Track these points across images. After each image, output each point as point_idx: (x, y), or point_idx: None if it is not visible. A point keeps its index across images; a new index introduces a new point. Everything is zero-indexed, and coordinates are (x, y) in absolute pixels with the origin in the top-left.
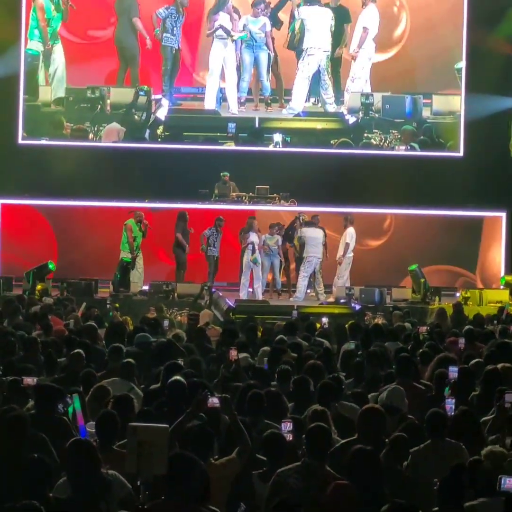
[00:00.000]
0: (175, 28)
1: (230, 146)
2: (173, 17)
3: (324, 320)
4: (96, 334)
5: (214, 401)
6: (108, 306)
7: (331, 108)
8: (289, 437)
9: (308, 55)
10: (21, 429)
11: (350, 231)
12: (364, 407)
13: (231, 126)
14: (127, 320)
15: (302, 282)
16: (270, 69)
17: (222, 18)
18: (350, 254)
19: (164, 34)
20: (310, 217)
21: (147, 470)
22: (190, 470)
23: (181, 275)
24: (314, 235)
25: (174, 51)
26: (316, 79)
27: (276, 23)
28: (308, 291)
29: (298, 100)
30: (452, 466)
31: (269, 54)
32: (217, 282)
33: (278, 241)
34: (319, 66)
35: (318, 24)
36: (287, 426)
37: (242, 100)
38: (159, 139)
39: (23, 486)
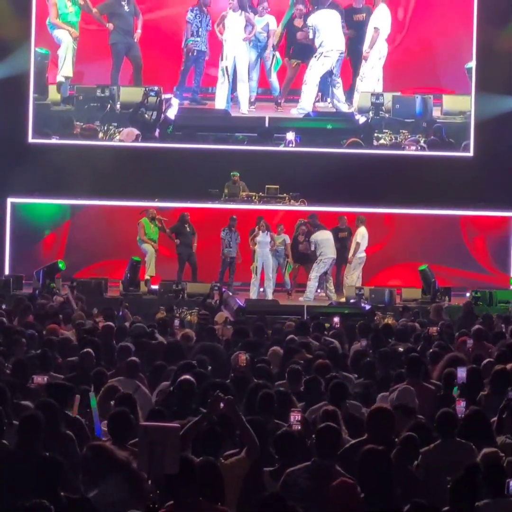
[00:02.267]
0: (200, 29)
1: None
2: (197, 18)
3: (336, 320)
4: (112, 334)
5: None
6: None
7: (344, 107)
8: (298, 427)
9: (325, 56)
10: (36, 429)
11: (361, 231)
12: (373, 407)
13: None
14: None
15: (313, 283)
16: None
17: (232, 17)
18: (361, 254)
19: (191, 38)
20: (306, 217)
21: (159, 470)
22: (203, 470)
23: (191, 275)
24: (325, 236)
25: (196, 53)
26: (323, 78)
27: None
28: (318, 291)
29: (309, 100)
30: (465, 466)
31: (273, 54)
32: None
33: (284, 241)
34: (332, 66)
35: (329, 26)
36: (296, 417)
37: (251, 100)
38: (169, 139)
39: (34, 484)
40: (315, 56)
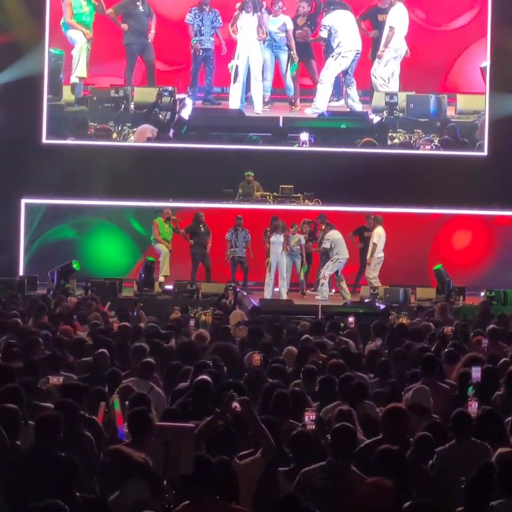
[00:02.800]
0: (202, 28)
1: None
2: (197, 17)
3: (351, 319)
4: (129, 334)
5: (235, 404)
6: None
7: (359, 107)
8: (312, 426)
9: (342, 56)
10: (53, 429)
11: (378, 231)
12: (387, 406)
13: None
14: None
15: (326, 282)
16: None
17: (245, 18)
18: (379, 254)
19: (194, 37)
20: (314, 218)
21: (174, 470)
22: (218, 469)
23: (205, 275)
24: (340, 236)
25: (202, 52)
26: (337, 78)
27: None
28: (332, 291)
29: (324, 100)
30: (480, 466)
31: (289, 54)
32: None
33: (299, 241)
34: (347, 66)
35: (345, 26)
36: (310, 416)
37: (266, 100)
38: (183, 139)
39: (50, 484)
40: (333, 56)
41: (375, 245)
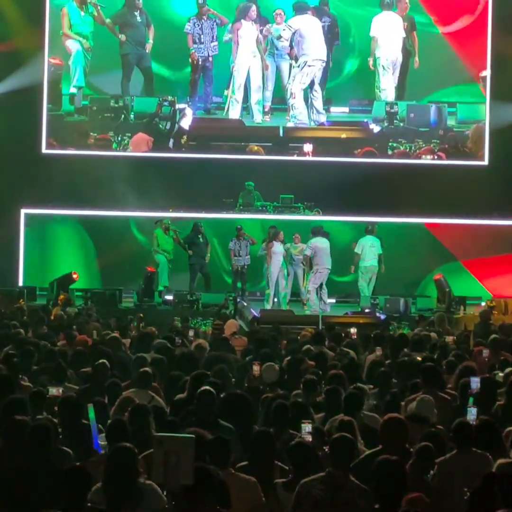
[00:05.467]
0: (201, 36)
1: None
2: (196, 26)
3: (353, 331)
4: (120, 345)
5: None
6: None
7: (323, 118)
8: (309, 438)
9: (308, 66)
10: (46, 439)
11: (360, 241)
12: (385, 417)
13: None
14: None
15: (313, 295)
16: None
17: (245, 27)
18: (365, 264)
19: (194, 45)
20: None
21: (174, 480)
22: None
23: (205, 285)
24: (324, 245)
25: (201, 61)
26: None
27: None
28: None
29: (303, 111)
30: (484, 476)
31: (290, 63)
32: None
33: (302, 250)
34: (314, 76)
35: (312, 34)
36: (307, 428)
37: (266, 109)
38: (183, 149)
39: (62, 494)
40: (301, 68)
41: (357, 255)
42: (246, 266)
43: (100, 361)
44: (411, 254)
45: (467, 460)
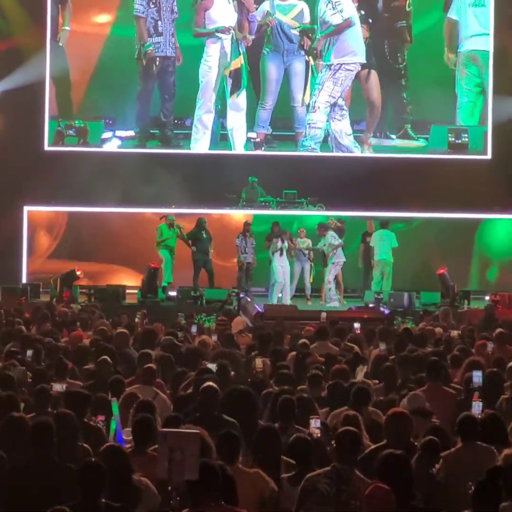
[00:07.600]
0: (159, 23)
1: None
2: (152, 7)
3: (356, 326)
4: (127, 340)
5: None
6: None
7: (353, 146)
8: (318, 433)
9: (346, 70)
10: (48, 435)
11: (373, 235)
12: (390, 411)
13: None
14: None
15: (333, 286)
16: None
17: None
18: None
19: (148, 40)
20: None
21: (179, 476)
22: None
23: (208, 281)
24: (339, 240)
25: (158, 62)
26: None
27: None
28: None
29: (321, 133)
30: (488, 469)
31: (307, 62)
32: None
33: (309, 245)
34: (346, 86)
35: (357, 26)
36: (316, 423)
37: (258, 139)
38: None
39: (77, 489)
40: (330, 67)
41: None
42: (251, 263)
43: (103, 357)
44: (414, 249)
45: (473, 453)
